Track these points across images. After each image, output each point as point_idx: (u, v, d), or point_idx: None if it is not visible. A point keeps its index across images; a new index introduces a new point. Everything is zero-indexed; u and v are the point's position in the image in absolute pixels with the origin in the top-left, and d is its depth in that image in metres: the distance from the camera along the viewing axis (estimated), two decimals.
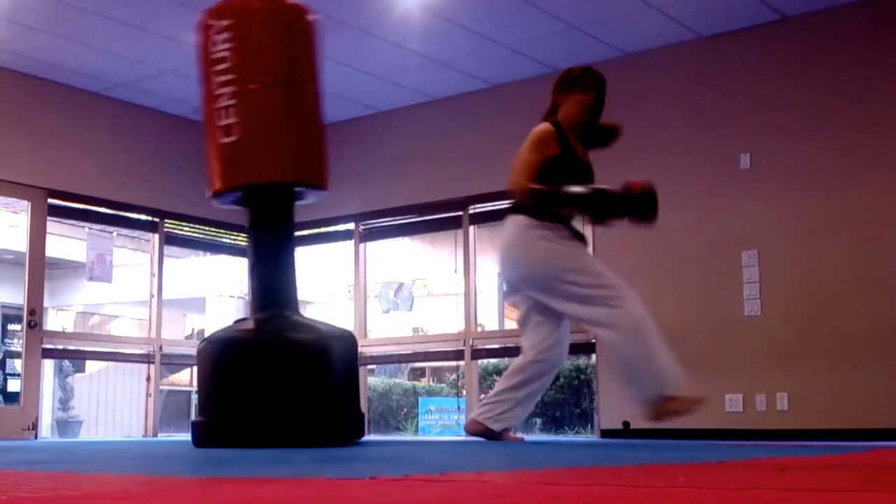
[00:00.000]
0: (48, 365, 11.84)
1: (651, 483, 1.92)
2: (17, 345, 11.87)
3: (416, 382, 13.70)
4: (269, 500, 1.58)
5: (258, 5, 4.51)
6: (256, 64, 4.39)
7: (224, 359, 4.24)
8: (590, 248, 4.73)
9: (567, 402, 10.93)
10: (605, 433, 6.91)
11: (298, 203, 4.66)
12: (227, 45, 4.39)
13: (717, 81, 6.90)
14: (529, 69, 7.40)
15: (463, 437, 7.45)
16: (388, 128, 8.34)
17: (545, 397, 10.99)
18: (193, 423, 4.35)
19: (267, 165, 4.39)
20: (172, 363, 10.19)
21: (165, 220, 8.38)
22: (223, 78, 4.38)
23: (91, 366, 14.00)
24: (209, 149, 4.47)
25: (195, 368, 13.98)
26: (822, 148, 6.44)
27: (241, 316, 5.64)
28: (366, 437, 4.97)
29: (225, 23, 4.42)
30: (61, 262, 11.78)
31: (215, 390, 4.25)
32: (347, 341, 4.47)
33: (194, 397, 13.92)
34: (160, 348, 8.19)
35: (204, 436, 4.20)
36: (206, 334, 12.58)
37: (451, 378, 12.67)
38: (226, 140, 4.37)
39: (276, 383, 4.11)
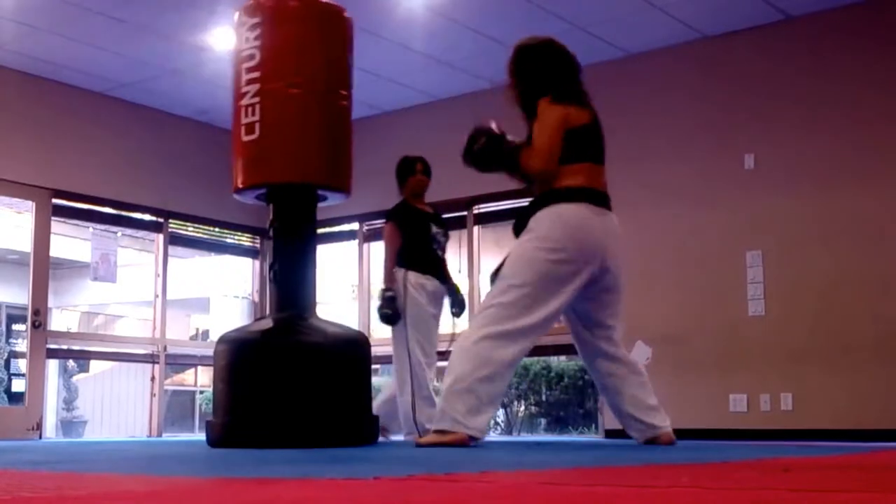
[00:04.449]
0: (52, 365, 11.85)
1: (655, 483, 1.91)
2: (21, 345, 11.88)
3: None
4: (273, 501, 1.58)
5: (291, 4, 4.49)
6: (282, 63, 4.39)
7: (239, 360, 4.23)
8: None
9: (571, 402, 10.92)
10: (610, 433, 6.90)
11: (321, 205, 4.65)
12: (255, 43, 4.39)
13: (720, 82, 6.90)
14: None
15: None
16: (392, 128, 8.33)
17: (549, 398, 11.01)
18: (208, 423, 4.35)
19: (286, 166, 4.38)
20: (177, 363, 10.21)
21: (170, 221, 8.39)
22: (249, 76, 4.38)
23: (95, 366, 14.01)
24: (234, 145, 4.48)
25: (199, 368, 13.88)
26: (825, 148, 6.43)
27: (247, 316, 5.68)
28: None
29: (255, 20, 4.42)
30: (66, 262, 11.80)
31: (230, 391, 4.24)
32: (361, 344, 4.47)
33: (199, 397, 13.94)
34: (164, 348, 8.20)
35: (219, 436, 4.20)
36: (211, 334, 12.55)
37: None
38: (247, 138, 4.37)
39: (290, 385, 4.11)
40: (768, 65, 6.70)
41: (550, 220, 3.80)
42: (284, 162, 4.38)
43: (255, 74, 4.37)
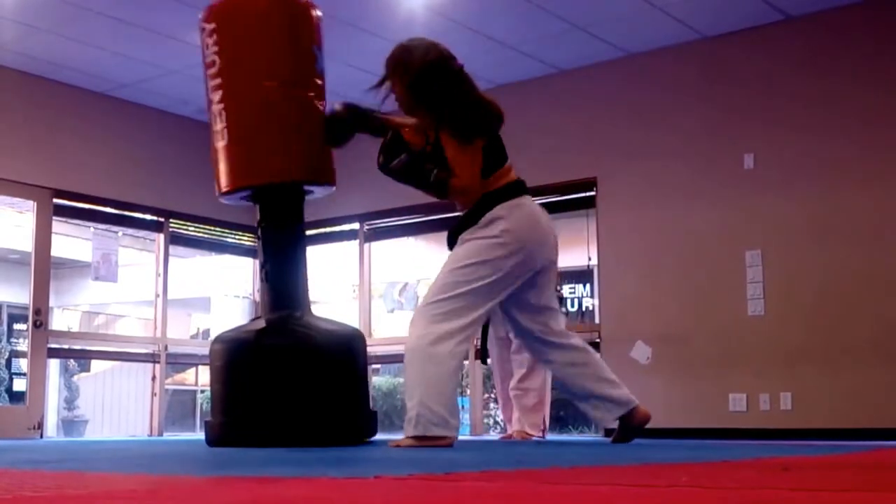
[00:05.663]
0: (54, 364, 11.86)
1: (654, 482, 1.92)
2: (22, 344, 11.89)
3: None
4: (274, 500, 1.58)
5: (253, 4, 4.43)
6: (241, 65, 4.34)
7: (234, 359, 4.24)
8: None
9: (571, 402, 10.91)
10: (610, 433, 6.90)
11: (308, 199, 4.62)
12: (215, 48, 4.35)
13: (720, 82, 6.90)
14: (534, 69, 7.40)
15: (468, 437, 7.46)
16: None
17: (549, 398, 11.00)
18: (206, 423, 4.37)
19: (263, 167, 4.32)
20: (178, 362, 10.22)
21: (171, 220, 8.40)
22: (214, 82, 4.35)
23: (96, 365, 14.01)
24: (211, 151, 4.46)
25: (200, 368, 13.88)
26: (825, 148, 6.44)
27: (248, 315, 5.66)
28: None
29: (212, 25, 4.37)
30: (67, 261, 11.79)
31: (227, 390, 4.25)
32: (357, 340, 4.46)
33: (200, 397, 13.94)
34: (165, 348, 8.21)
35: (217, 435, 4.21)
36: (212, 334, 12.55)
37: None
38: (220, 143, 4.35)
39: (286, 383, 4.11)
40: (768, 65, 6.71)
41: (510, 215, 3.78)
42: (261, 163, 4.33)
43: (219, 80, 4.33)
